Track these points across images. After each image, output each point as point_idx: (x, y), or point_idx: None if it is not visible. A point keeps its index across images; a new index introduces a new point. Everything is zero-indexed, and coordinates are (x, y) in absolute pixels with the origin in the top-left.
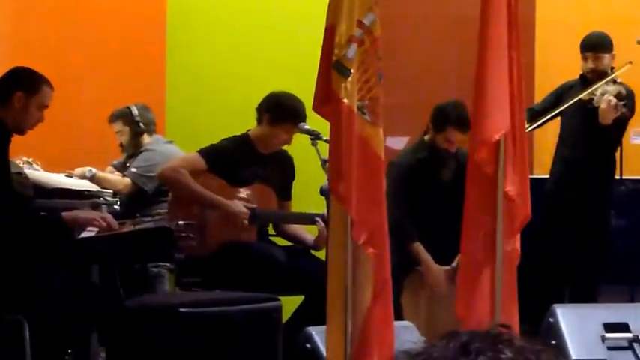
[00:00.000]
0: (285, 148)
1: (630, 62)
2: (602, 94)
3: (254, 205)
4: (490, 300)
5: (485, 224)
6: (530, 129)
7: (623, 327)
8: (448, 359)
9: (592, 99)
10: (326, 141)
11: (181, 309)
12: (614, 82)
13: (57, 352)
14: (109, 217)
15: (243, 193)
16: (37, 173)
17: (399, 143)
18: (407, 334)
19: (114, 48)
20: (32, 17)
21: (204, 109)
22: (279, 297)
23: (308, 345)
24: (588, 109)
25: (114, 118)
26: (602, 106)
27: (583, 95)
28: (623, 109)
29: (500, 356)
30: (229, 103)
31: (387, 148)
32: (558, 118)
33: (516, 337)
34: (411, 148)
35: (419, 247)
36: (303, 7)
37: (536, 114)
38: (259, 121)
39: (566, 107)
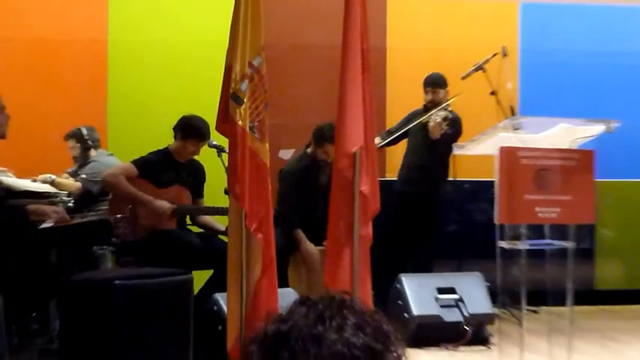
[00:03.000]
0: (198, 158)
1: (459, 94)
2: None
3: (174, 205)
4: (350, 272)
5: (345, 215)
6: (384, 144)
7: (451, 290)
8: (310, 328)
9: (429, 122)
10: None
11: (116, 282)
12: (446, 109)
13: (24, 314)
14: (61, 210)
15: (166, 193)
16: (9, 179)
17: (287, 154)
18: (288, 298)
19: (67, 81)
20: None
21: (138, 129)
22: (193, 271)
23: (215, 307)
24: (427, 129)
25: (68, 136)
26: (431, 124)
27: (424, 119)
28: (446, 128)
29: (346, 322)
30: (158, 123)
31: (279, 158)
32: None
33: (356, 302)
34: (296, 158)
35: (299, 233)
36: (211, 52)
37: (392, 133)
38: (175, 137)
39: (411, 127)
